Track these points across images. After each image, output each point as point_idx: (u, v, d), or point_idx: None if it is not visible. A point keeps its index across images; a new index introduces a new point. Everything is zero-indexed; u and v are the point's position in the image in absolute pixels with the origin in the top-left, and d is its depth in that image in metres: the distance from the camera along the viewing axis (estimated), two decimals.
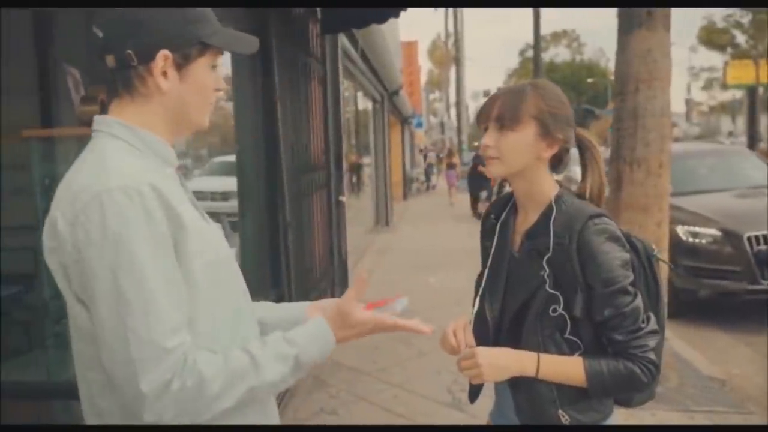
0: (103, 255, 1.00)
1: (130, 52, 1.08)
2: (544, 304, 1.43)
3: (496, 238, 1.58)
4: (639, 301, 1.41)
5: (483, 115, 1.50)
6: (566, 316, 1.42)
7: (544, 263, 1.43)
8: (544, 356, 1.42)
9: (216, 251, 1.15)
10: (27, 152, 2.63)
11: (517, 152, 1.45)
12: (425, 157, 30.10)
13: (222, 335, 1.12)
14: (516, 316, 1.48)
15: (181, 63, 1.11)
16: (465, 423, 3.58)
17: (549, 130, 1.46)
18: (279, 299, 1.15)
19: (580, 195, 1.53)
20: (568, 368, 1.42)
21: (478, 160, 14.94)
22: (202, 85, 1.15)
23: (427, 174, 28.01)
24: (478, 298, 1.60)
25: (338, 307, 1.21)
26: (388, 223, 14.54)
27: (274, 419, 1.26)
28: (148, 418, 1.02)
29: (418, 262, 9.22)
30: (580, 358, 1.42)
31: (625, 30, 4.04)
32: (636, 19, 3.96)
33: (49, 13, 2.91)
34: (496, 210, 1.64)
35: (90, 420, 1.14)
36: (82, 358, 1.13)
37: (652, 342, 1.40)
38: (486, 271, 1.59)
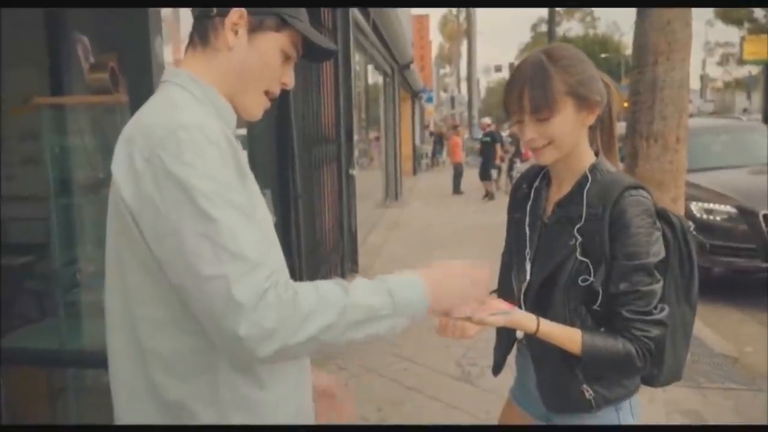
0: (183, 183, 0.99)
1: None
2: (573, 273, 1.39)
3: (528, 208, 1.54)
4: (658, 287, 1.36)
5: (514, 111, 1.43)
6: (596, 286, 1.38)
7: (575, 232, 1.39)
8: (543, 320, 1.38)
9: (267, 216, 1.18)
10: (37, 122, 2.60)
11: (565, 134, 1.40)
12: (439, 136, 29.73)
13: None
14: (543, 287, 1.44)
15: (255, 27, 1.15)
16: (474, 395, 3.58)
17: (585, 98, 1.41)
18: (289, 271, 1.14)
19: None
20: (564, 336, 1.37)
21: (488, 139, 14.85)
22: (266, 60, 1.17)
23: (435, 150, 27.93)
24: (508, 268, 1.55)
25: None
26: (397, 198, 14.52)
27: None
28: (244, 331, 0.95)
29: (428, 237, 9.20)
30: (579, 330, 1.38)
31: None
32: None
33: None
34: (527, 181, 1.59)
35: (125, 365, 1.11)
36: (134, 295, 1.08)
37: (655, 331, 1.35)
38: (515, 240, 1.55)
